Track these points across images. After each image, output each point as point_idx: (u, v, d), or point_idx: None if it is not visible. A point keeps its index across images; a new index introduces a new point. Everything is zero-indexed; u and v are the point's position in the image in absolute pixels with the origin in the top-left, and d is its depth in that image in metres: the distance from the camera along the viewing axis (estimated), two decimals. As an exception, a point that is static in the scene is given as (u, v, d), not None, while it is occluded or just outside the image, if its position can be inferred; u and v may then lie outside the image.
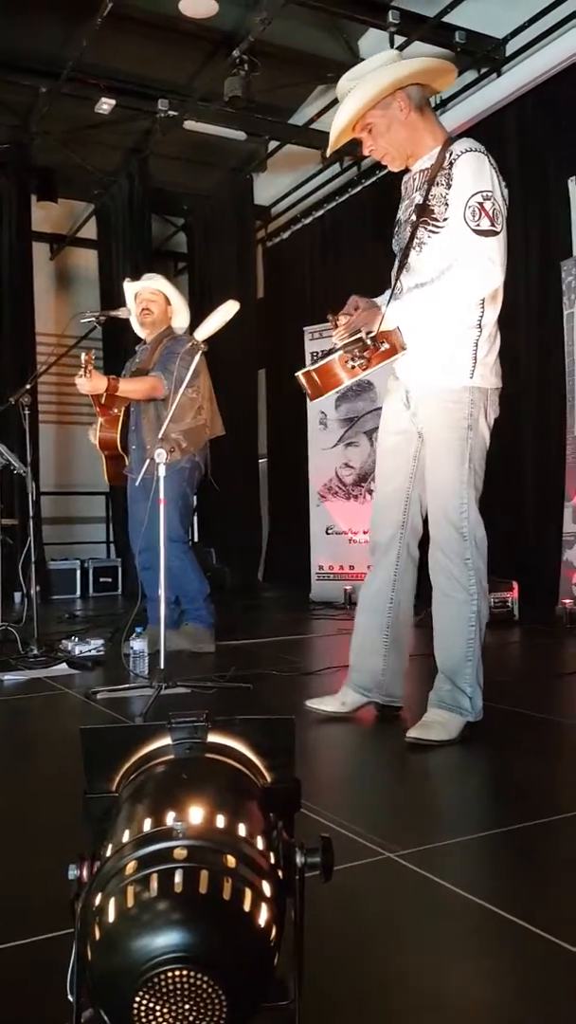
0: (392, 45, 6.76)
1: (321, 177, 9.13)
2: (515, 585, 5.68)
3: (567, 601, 5.51)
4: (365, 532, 7.32)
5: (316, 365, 2.83)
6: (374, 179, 8.22)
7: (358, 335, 2.71)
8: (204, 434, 4.68)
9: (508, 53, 6.77)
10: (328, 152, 3.23)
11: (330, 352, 2.82)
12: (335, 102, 8.23)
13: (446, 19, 6.58)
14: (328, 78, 8.27)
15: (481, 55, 6.86)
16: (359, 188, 8.56)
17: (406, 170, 2.99)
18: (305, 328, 7.99)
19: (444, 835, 1.96)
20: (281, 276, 10.04)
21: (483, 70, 6.97)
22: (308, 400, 2.97)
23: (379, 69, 2.82)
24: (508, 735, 2.95)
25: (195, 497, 4.79)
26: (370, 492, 7.31)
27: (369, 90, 2.80)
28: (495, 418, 2.90)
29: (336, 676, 4.02)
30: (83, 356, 4.27)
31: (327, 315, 2.89)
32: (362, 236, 8.57)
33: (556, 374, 6.10)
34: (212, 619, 4.74)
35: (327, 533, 7.62)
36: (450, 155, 2.76)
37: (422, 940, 1.50)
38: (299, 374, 2.88)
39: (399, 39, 6.74)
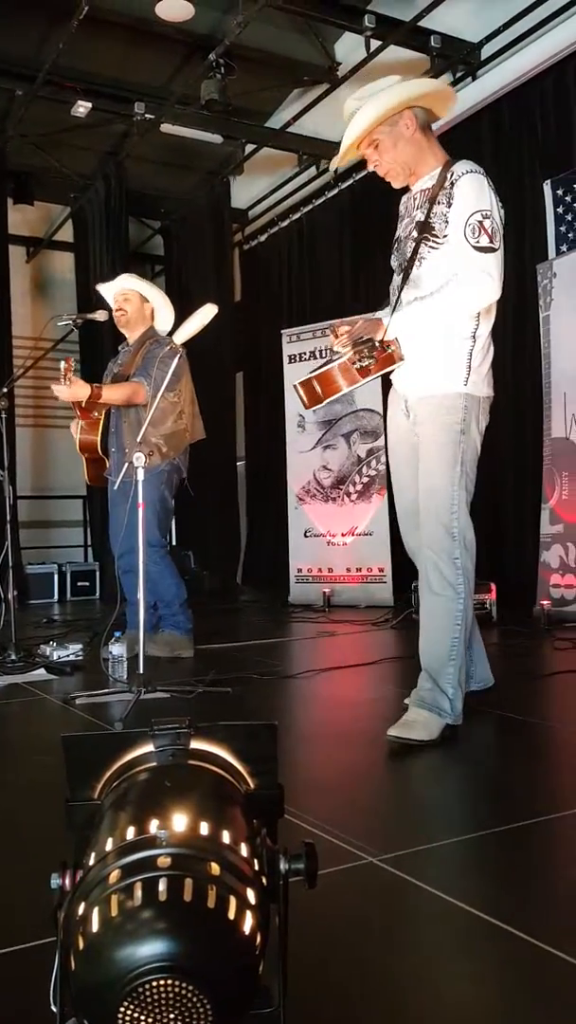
0: (368, 49, 6.79)
1: (298, 180, 9.15)
2: (493, 586, 5.70)
3: (545, 602, 5.54)
4: (344, 534, 7.35)
5: (316, 372, 2.93)
6: (350, 182, 8.24)
7: (367, 338, 2.86)
8: (184, 439, 4.66)
9: (483, 57, 6.81)
10: (333, 166, 3.35)
11: (328, 362, 2.94)
12: (312, 105, 8.31)
13: (421, 23, 6.60)
14: (304, 81, 8.30)
15: (456, 59, 6.89)
16: (335, 191, 8.57)
17: (405, 189, 3.13)
18: (282, 331, 8.00)
19: (425, 839, 1.96)
20: (258, 279, 10.04)
21: (459, 74, 7.00)
22: (304, 408, 3.09)
23: (388, 89, 2.95)
24: (488, 738, 2.97)
25: (173, 501, 4.76)
26: (348, 495, 7.33)
27: (379, 107, 2.92)
28: (485, 425, 3.03)
29: (316, 680, 4.02)
30: (63, 364, 4.24)
31: (328, 329, 3.04)
32: (338, 239, 8.61)
33: (533, 376, 6.14)
34: (189, 624, 4.72)
35: (305, 536, 7.62)
36: (451, 175, 2.91)
37: (405, 944, 1.50)
38: (296, 384, 3.00)
39: (375, 43, 6.76)
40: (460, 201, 2.86)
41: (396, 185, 3.12)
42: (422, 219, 2.95)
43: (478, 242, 2.80)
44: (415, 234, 2.98)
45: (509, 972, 1.39)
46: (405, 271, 3.01)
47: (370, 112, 2.93)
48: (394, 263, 3.15)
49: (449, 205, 2.88)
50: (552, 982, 1.35)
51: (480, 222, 2.81)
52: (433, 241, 2.92)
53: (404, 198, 3.16)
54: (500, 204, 2.91)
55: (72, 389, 4.30)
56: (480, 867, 1.88)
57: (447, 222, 2.88)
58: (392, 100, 2.93)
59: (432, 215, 2.91)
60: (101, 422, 4.66)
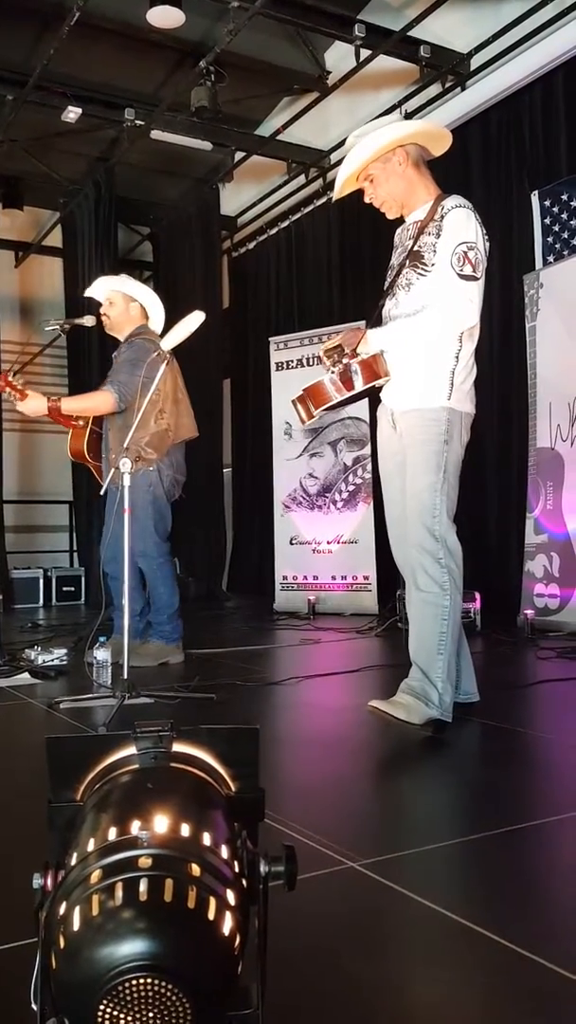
0: (358, 58, 6.83)
1: (287, 188, 9.18)
2: (477, 595, 5.72)
3: (528, 612, 5.56)
4: (329, 542, 7.36)
5: (306, 386, 3.12)
6: (340, 191, 8.26)
7: (336, 344, 3.09)
8: (167, 438, 4.51)
9: (472, 68, 6.85)
10: (333, 199, 3.61)
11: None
12: (302, 113, 8.35)
13: (411, 33, 6.64)
14: (294, 90, 8.34)
15: (446, 69, 6.93)
16: (324, 199, 8.61)
17: (400, 221, 3.33)
18: (270, 338, 8.02)
19: (407, 845, 1.97)
20: (246, 286, 10.06)
21: (448, 84, 7.04)
22: (302, 422, 3.24)
23: (383, 128, 3.18)
24: (472, 746, 2.98)
25: (170, 503, 4.61)
26: (334, 503, 7.35)
27: (373, 144, 3.15)
28: (467, 441, 3.19)
29: (300, 687, 4.02)
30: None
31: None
32: (327, 247, 8.64)
33: (518, 386, 6.18)
34: (177, 635, 4.65)
35: (291, 543, 7.63)
36: (442, 209, 3.12)
37: (384, 949, 1.51)
38: (294, 400, 3.19)
39: (365, 52, 6.80)
40: (448, 232, 3.06)
41: (390, 216, 3.32)
42: (411, 247, 3.17)
43: (462, 270, 3.01)
44: (405, 260, 3.19)
45: (489, 977, 1.40)
46: (391, 293, 3.23)
47: (365, 149, 3.16)
48: (386, 288, 3.35)
49: (438, 236, 3.09)
50: (531, 987, 1.36)
51: (465, 252, 3.03)
52: (421, 268, 3.12)
53: (399, 230, 3.36)
54: (486, 236, 3.13)
55: (28, 403, 4.18)
56: (461, 873, 1.89)
57: (435, 251, 3.08)
58: (385, 139, 3.15)
59: (421, 244, 3.13)
60: (87, 428, 4.62)
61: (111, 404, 4.38)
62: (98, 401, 4.42)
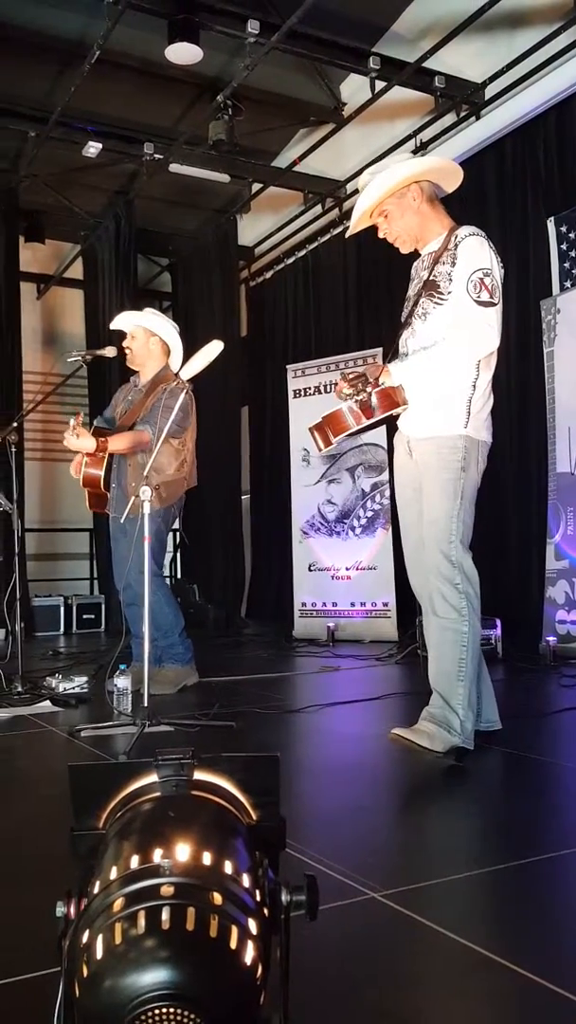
0: (373, 90, 6.90)
1: (303, 218, 9.25)
2: (498, 622, 5.69)
3: (550, 638, 5.53)
4: (348, 569, 7.35)
5: (325, 414, 3.15)
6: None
7: (361, 373, 3.10)
8: (182, 487, 4.71)
9: (487, 97, 6.90)
10: (349, 234, 3.63)
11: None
12: (318, 145, 8.42)
13: (426, 64, 6.71)
14: (310, 122, 8.44)
15: (460, 99, 6.99)
16: (340, 228, 8.67)
17: (416, 254, 3.37)
18: (288, 366, 8.06)
19: (429, 875, 1.96)
20: (264, 315, 10.14)
21: (463, 113, 7.09)
22: (319, 450, 3.30)
23: (397, 165, 3.23)
24: (494, 775, 2.96)
25: (169, 535, 4.80)
26: (352, 529, 7.35)
27: (388, 181, 3.20)
28: (483, 469, 3.20)
29: (320, 714, 4.01)
30: (72, 420, 4.39)
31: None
32: (343, 275, 8.69)
33: (537, 411, 6.18)
34: (189, 654, 4.73)
35: (310, 570, 7.62)
36: (455, 238, 3.16)
37: (406, 980, 1.50)
38: (311, 427, 3.22)
39: (380, 84, 6.87)
40: (463, 260, 3.10)
41: (403, 251, 3.37)
42: (427, 277, 3.20)
43: (479, 297, 3.03)
44: (421, 290, 3.22)
45: (512, 1009, 1.39)
46: (408, 324, 3.26)
47: (379, 186, 3.20)
48: (404, 319, 3.36)
49: (453, 264, 3.12)
50: (555, 1019, 1.35)
51: (481, 279, 3.05)
52: (438, 297, 3.15)
53: (415, 262, 3.40)
54: (500, 263, 3.15)
55: (80, 441, 4.43)
56: (484, 904, 1.88)
57: (451, 280, 3.12)
58: (399, 175, 3.19)
59: (436, 274, 3.17)
60: (105, 459, 4.69)
61: (148, 443, 4.52)
62: (137, 440, 4.57)
